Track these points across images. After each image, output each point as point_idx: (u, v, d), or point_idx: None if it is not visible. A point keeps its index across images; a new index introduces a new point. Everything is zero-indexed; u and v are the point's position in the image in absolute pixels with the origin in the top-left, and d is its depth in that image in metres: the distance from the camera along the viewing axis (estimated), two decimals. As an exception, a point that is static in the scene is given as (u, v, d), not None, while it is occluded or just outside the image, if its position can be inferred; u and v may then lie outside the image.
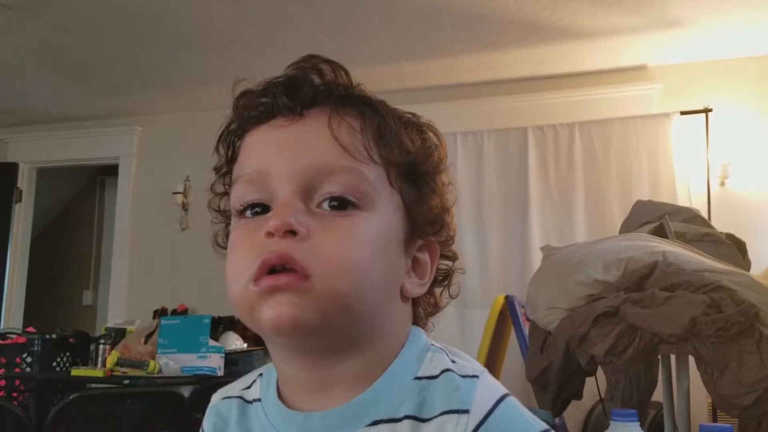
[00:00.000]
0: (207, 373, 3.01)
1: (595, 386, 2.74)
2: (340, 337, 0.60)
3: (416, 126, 0.67)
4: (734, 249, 2.56)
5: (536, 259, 3.72)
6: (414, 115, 0.68)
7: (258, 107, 0.64)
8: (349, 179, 0.60)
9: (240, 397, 0.70)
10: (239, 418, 0.68)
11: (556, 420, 2.93)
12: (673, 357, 2.33)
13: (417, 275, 0.66)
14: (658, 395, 2.33)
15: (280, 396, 0.65)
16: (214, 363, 3.05)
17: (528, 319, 3.18)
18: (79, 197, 6.30)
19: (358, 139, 0.61)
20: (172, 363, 3.03)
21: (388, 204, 0.62)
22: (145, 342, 3.21)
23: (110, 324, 4.01)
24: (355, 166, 0.60)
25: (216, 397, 0.72)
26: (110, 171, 5.45)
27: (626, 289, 2.13)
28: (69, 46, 3.97)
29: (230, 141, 0.67)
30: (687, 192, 3.78)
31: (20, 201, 5.17)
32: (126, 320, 4.12)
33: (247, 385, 0.70)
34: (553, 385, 2.20)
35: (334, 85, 0.64)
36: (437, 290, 0.71)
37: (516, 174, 4.12)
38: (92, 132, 5.17)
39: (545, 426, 0.60)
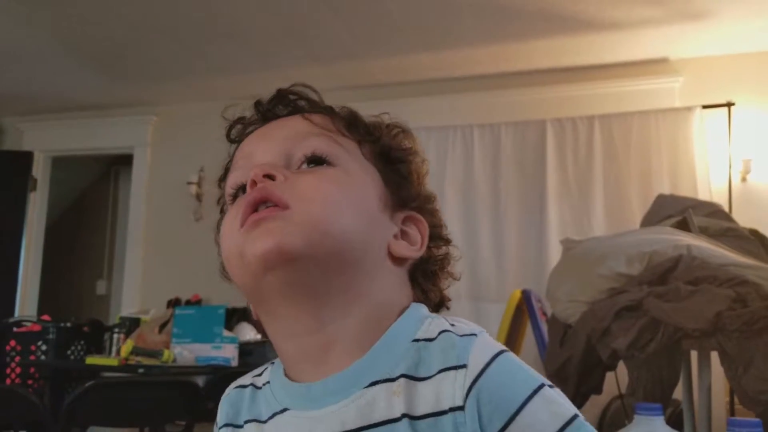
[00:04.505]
0: (221, 363, 2.99)
1: (609, 382, 2.71)
2: (327, 273, 0.61)
3: (381, 121, 0.73)
4: (757, 244, 2.53)
5: (553, 253, 3.70)
6: (377, 118, 0.75)
7: (248, 125, 0.73)
8: (322, 141, 0.67)
9: (252, 384, 0.71)
10: (250, 404, 0.70)
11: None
12: (694, 353, 2.29)
13: (406, 242, 0.69)
14: (675, 392, 2.30)
15: (286, 376, 0.67)
16: (229, 353, 3.04)
17: (544, 314, 3.16)
18: (94, 186, 6.31)
19: (329, 121, 0.70)
20: (186, 353, 3.02)
21: (363, 169, 0.68)
22: (160, 331, 3.20)
23: (124, 313, 4.01)
24: (327, 133, 0.68)
25: (230, 388, 0.74)
26: (125, 160, 5.46)
27: (649, 283, 2.10)
28: (85, 35, 3.97)
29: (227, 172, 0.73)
30: (708, 187, 3.74)
31: (35, 189, 5.18)
32: (140, 310, 4.12)
33: (259, 373, 0.72)
34: (572, 378, 2.18)
35: (306, 101, 0.72)
36: (439, 280, 0.73)
37: (534, 167, 4.09)
38: (107, 121, 5.17)
39: (545, 380, 0.60)
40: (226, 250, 0.64)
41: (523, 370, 0.60)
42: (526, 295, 3.25)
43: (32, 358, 3.39)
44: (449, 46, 3.99)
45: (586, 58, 4.04)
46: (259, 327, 3.83)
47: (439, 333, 0.62)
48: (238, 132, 0.73)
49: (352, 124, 0.70)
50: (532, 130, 4.13)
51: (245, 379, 0.72)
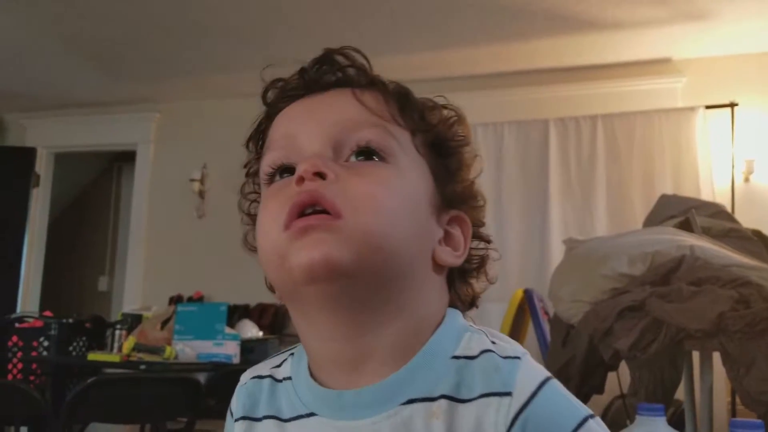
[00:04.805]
0: (223, 360, 3.00)
1: (610, 382, 2.71)
2: (372, 287, 0.58)
3: (435, 104, 0.68)
4: (760, 245, 2.53)
5: (555, 253, 3.69)
6: (430, 99, 0.69)
7: (288, 90, 0.66)
8: (375, 132, 0.61)
9: (270, 376, 0.68)
10: (269, 397, 0.66)
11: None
12: (695, 354, 2.30)
13: (450, 247, 0.65)
14: (677, 393, 2.30)
15: (311, 375, 0.64)
16: (230, 350, 3.05)
17: (546, 313, 3.15)
18: (96, 183, 6.31)
19: (382, 104, 0.63)
20: (188, 349, 3.03)
21: (415, 166, 0.63)
22: (162, 328, 3.21)
23: (126, 310, 4.01)
24: (381, 122, 0.62)
25: (246, 377, 0.70)
26: (127, 157, 5.46)
27: (652, 283, 2.10)
28: (88, 32, 3.97)
29: (260, 135, 0.68)
30: (710, 187, 3.74)
31: (38, 186, 5.17)
32: (142, 306, 4.12)
33: (277, 364, 0.69)
34: (574, 378, 2.18)
35: (355, 69, 0.66)
36: (473, 280, 0.70)
37: (536, 167, 4.08)
38: (110, 118, 5.16)
39: (590, 411, 0.58)
40: (265, 249, 0.60)
41: (567, 400, 0.59)
42: (528, 295, 3.24)
43: (34, 353, 3.39)
44: (451, 45, 3.98)
45: (588, 58, 4.04)
46: (263, 322, 3.84)
47: (481, 352, 0.60)
48: (275, 96, 0.67)
49: (405, 108, 0.64)
50: (534, 129, 4.12)
51: (262, 370, 0.69)
